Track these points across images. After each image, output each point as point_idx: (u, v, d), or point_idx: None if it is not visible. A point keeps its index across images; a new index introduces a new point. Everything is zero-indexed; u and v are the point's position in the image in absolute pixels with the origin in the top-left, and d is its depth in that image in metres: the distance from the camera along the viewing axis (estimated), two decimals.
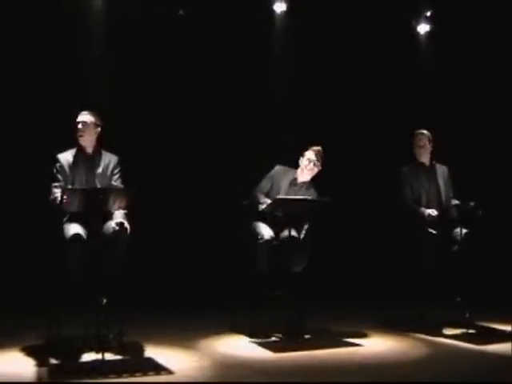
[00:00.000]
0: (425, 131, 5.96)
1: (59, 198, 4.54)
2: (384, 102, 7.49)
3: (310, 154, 5.53)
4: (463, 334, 5.32)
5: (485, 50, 7.34)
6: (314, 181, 5.62)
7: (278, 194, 5.41)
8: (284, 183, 5.55)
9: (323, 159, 5.54)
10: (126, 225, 4.69)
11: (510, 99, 7.20)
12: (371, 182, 7.20)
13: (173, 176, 6.79)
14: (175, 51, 6.84)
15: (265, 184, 5.54)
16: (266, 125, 7.10)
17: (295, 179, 5.58)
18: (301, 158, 5.57)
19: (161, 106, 6.77)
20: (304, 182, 5.59)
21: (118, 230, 4.62)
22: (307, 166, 5.53)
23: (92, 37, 6.48)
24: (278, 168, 5.61)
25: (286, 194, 5.43)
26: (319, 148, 5.55)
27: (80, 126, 5.00)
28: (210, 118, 7.00)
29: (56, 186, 4.89)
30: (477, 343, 5.01)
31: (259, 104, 7.14)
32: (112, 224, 4.68)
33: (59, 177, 4.94)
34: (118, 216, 4.76)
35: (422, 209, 5.76)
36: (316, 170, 5.55)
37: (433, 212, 5.67)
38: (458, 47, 7.43)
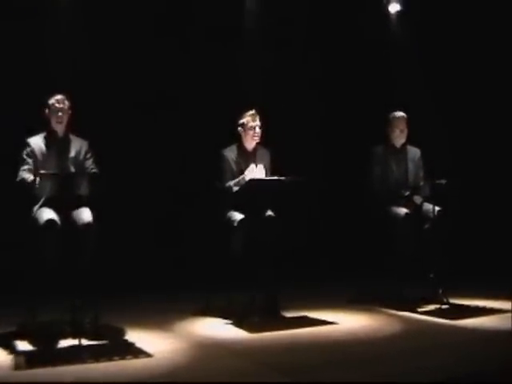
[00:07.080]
0: (403, 114, 5.91)
1: (29, 181, 4.56)
2: (355, 83, 7.48)
3: (250, 120, 5.43)
4: (437, 309, 5.38)
5: (457, 29, 7.33)
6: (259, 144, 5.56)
7: (241, 172, 5.31)
8: (237, 159, 5.46)
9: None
10: (91, 221, 4.64)
11: (483, 77, 7.23)
12: (344, 160, 7.22)
13: (146, 160, 6.72)
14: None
15: (227, 174, 5.43)
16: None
17: (244, 149, 5.50)
18: (240, 128, 5.46)
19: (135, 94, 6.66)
20: (254, 148, 5.52)
21: (86, 225, 4.60)
22: (253, 132, 5.43)
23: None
24: (224, 153, 5.47)
25: (246, 167, 5.31)
26: (253, 111, 5.46)
27: (62, 105, 4.92)
28: (183, 108, 6.89)
29: (25, 170, 4.83)
30: (450, 318, 5.07)
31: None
32: (80, 219, 4.65)
33: (29, 160, 4.88)
34: (85, 213, 4.69)
35: (395, 209, 5.68)
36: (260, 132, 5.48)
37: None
38: (429, 26, 7.43)
